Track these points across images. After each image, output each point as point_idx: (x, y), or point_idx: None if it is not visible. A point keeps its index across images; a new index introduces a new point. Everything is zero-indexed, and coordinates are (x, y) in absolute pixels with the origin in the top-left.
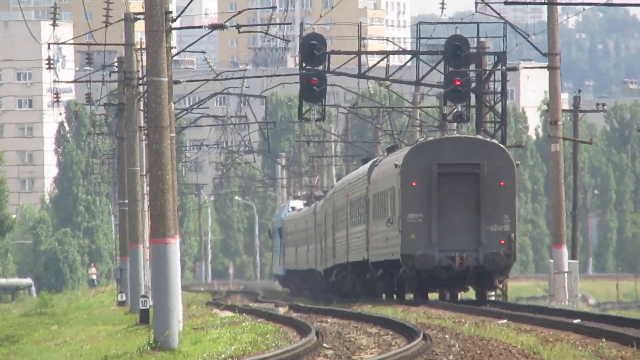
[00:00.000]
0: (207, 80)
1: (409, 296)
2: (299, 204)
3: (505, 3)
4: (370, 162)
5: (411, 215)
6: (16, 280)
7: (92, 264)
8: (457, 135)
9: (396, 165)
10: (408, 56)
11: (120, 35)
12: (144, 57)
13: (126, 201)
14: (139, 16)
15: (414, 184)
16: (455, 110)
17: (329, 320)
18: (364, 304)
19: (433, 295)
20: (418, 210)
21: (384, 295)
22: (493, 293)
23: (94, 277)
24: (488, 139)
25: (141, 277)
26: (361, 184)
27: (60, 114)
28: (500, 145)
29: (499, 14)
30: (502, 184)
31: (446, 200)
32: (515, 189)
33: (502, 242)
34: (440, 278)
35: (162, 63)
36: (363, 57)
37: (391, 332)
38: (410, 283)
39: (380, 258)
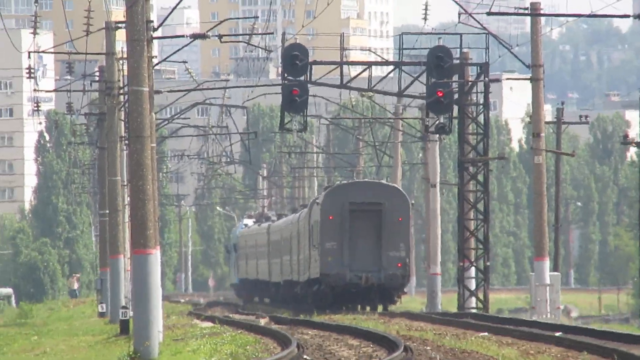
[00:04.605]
0: (189, 90)
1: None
2: (250, 222)
3: (488, 14)
4: (313, 199)
5: (328, 242)
6: None
7: (74, 275)
8: (365, 180)
9: (317, 203)
10: (390, 67)
11: (101, 44)
12: (125, 67)
13: (107, 211)
14: (120, 25)
15: (330, 217)
16: (438, 121)
17: (310, 332)
18: (345, 316)
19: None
20: (333, 238)
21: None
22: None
23: (76, 287)
24: (389, 184)
25: (121, 288)
26: (307, 215)
27: (40, 123)
28: (399, 188)
29: (482, 25)
30: (400, 219)
31: (355, 231)
32: (410, 223)
33: (399, 265)
34: (351, 293)
35: (143, 73)
36: (345, 67)
37: (372, 345)
38: (327, 297)
39: (314, 276)
